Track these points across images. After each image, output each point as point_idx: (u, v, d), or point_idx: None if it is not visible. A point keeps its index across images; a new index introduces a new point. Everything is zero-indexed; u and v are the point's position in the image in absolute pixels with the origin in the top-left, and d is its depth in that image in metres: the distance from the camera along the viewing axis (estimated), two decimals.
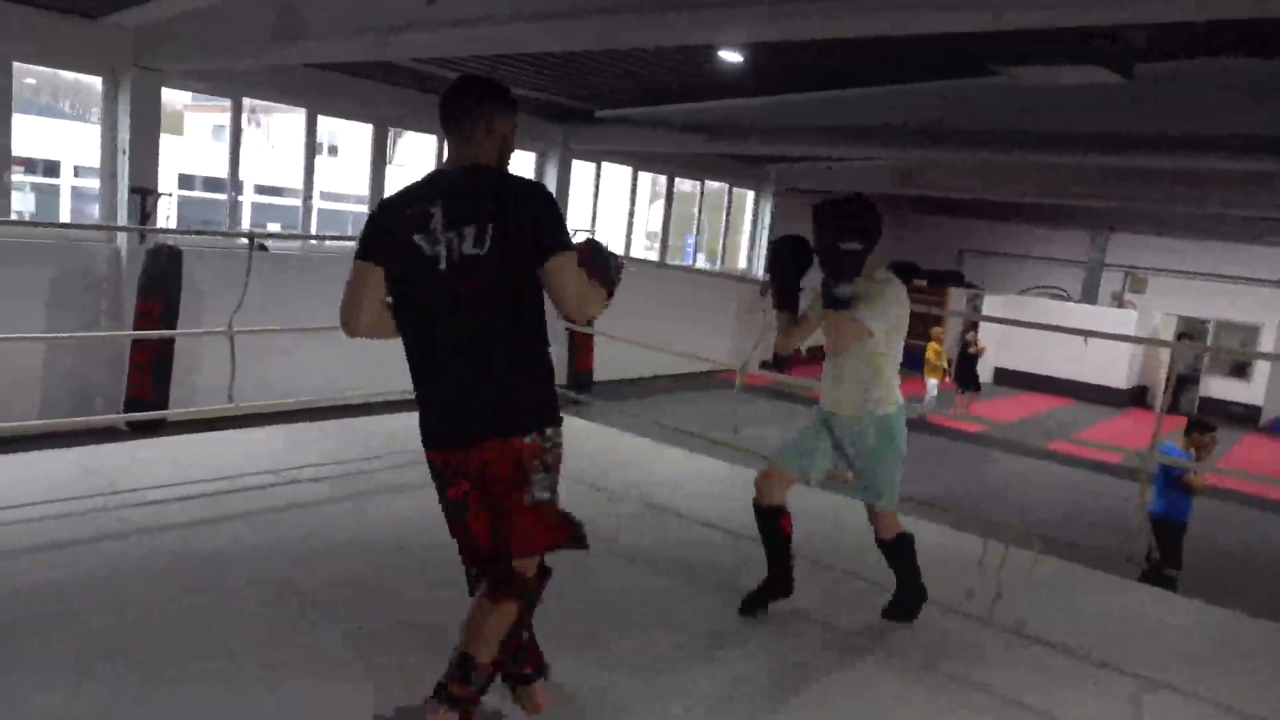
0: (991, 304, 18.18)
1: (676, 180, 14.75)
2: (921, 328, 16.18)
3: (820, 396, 3.66)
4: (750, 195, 16.27)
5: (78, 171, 14.37)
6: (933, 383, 13.70)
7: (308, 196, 9.80)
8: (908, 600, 3.64)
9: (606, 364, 12.00)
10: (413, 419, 2.55)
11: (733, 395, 6.02)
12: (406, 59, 7.77)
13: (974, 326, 14.78)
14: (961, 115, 8.97)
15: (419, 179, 2.47)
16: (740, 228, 16.53)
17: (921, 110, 9.09)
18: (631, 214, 13.83)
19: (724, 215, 16.00)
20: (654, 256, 14.62)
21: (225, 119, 19.30)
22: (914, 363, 14.23)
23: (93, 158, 8.59)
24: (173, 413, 5.91)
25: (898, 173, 13.82)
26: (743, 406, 6.02)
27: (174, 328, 7.79)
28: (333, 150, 18.66)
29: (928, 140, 9.64)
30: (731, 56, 7.88)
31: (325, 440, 5.44)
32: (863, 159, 13.31)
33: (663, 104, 10.66)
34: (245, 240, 8.48)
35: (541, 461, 2.39)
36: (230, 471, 4.64)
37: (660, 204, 14.81)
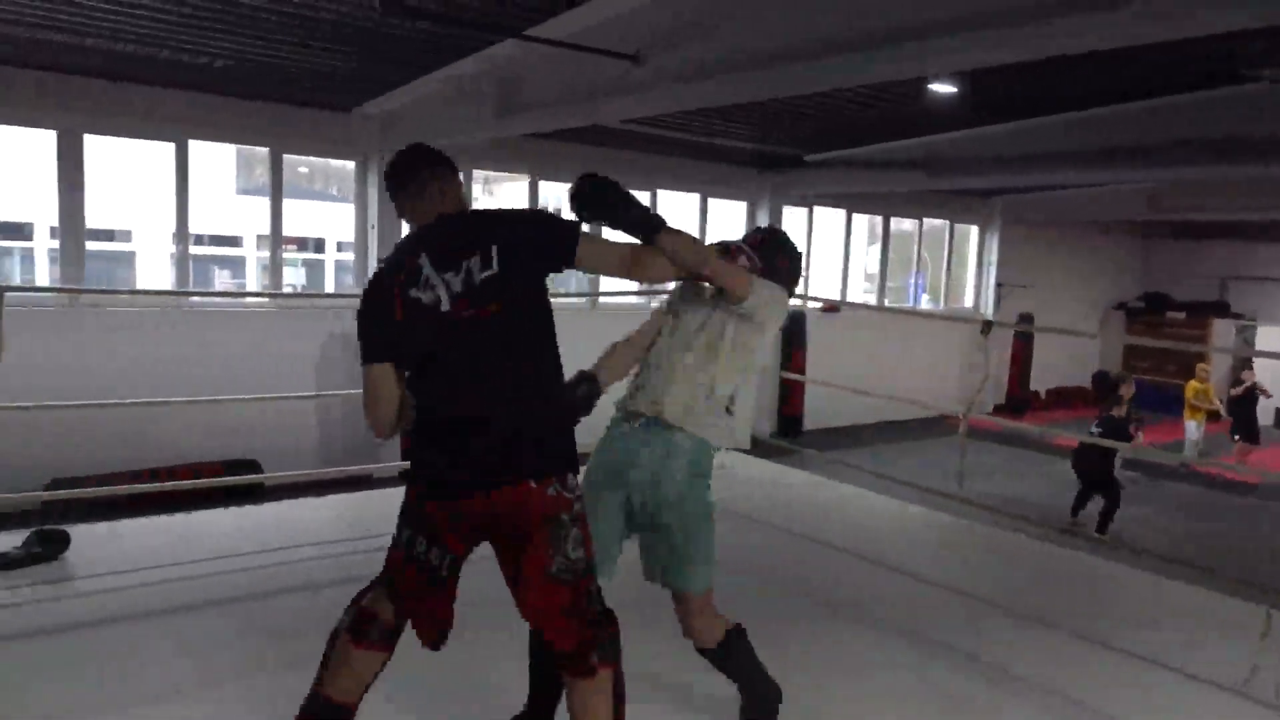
0: (1267, 336, 16.06)
1: (895, 219, 14.29)
2: (1176, 365, 14.74)
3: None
4: (974, 230, 15.47)
5: (340, 247, 16.06)
6: (1192, 424, 12.16)
7: None
8: (762, 704, 2.83)
9: (818, 409, 11.71)
10: None
11: (958, 443, 5.66)
12: (614, 121, 8.08)
13: (1248, 364, 13.06)
14: (1222, 127, 8.05)
15: (390, 254, 2.44)
16: (964, 264, 15.73)
17: (1176, 125, 8.24)
18: (847, 257, 13.53)
19: (945, 253, 15.30)
20: (872, 299, 14.20)
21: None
22: (1169, 405, 12.86)
23: (351, 234, 9.57)
24: None
25: (1148, 196, 12.64)
26: (970, 456, 5.61)
27: None
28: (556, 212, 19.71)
29: (1187, 157, 8.68)
30: (944, 88, 7.57)
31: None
32: (1106, 184, 12.31)
33: (874, 143, 10.40)
34: None
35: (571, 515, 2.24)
36: None
37: (878, 245, 14.40)
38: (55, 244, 13.56)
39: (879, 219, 14.10)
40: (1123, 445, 8.09)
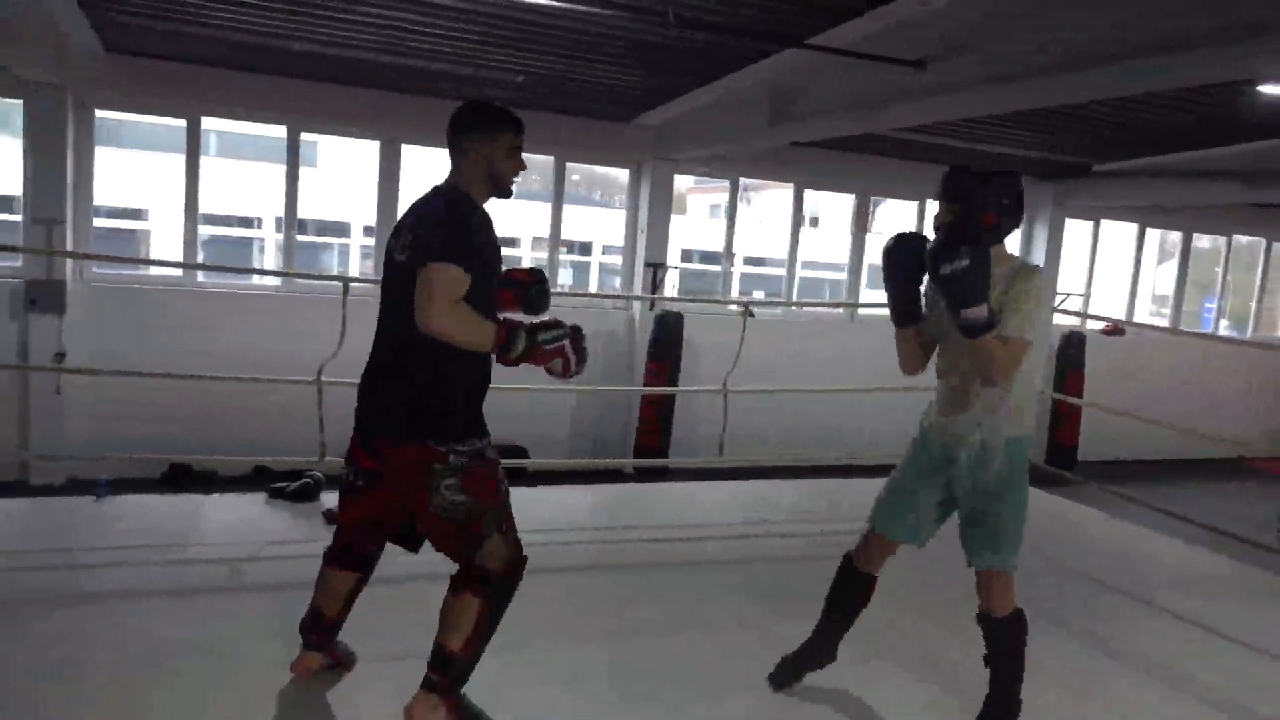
0: None
1: (1195, 236, 12.86)
2: None
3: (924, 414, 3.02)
4: None
5: (604, 250, 16.95)
6: None
7: (792, 265, 10.39)
8: (1000, 713, 2.86)
9: (1095, 439, 10.76)
10: None
11: (1271, 487, 5.03)
12: (891, 129, 7.92)
13: None
14: None
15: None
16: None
17: None
18: (1136, 276, 12.36)
19: (1258, 274, 13.55)
20: (1163, 322, 12.86)
21: (721, 199, 21.36)
22: None
23: (614, 238, 10.07)
24: (672, 461, 6.60)
25: None
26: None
27: (676, 385, 8.71)
28: (813, 221, 19.61)
29: None
30: (1276, 90, 6.73)
31: (794, 496, 5.66)
32: None
33: (1180, 150, 9.43)
34: (736, 307, 9.28)
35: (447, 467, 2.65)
36: (713, 518, 5.05)
37: (1171, 264, 13.02)
38: (369, 241, 15.51)
39: (1173, 234, 12.75)
40: None
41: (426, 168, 9.58)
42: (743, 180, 10.85)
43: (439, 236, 2.58)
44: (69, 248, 7.26)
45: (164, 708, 2.83)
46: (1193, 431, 7.06)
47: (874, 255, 11.45)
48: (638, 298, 9.18)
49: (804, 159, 9.74)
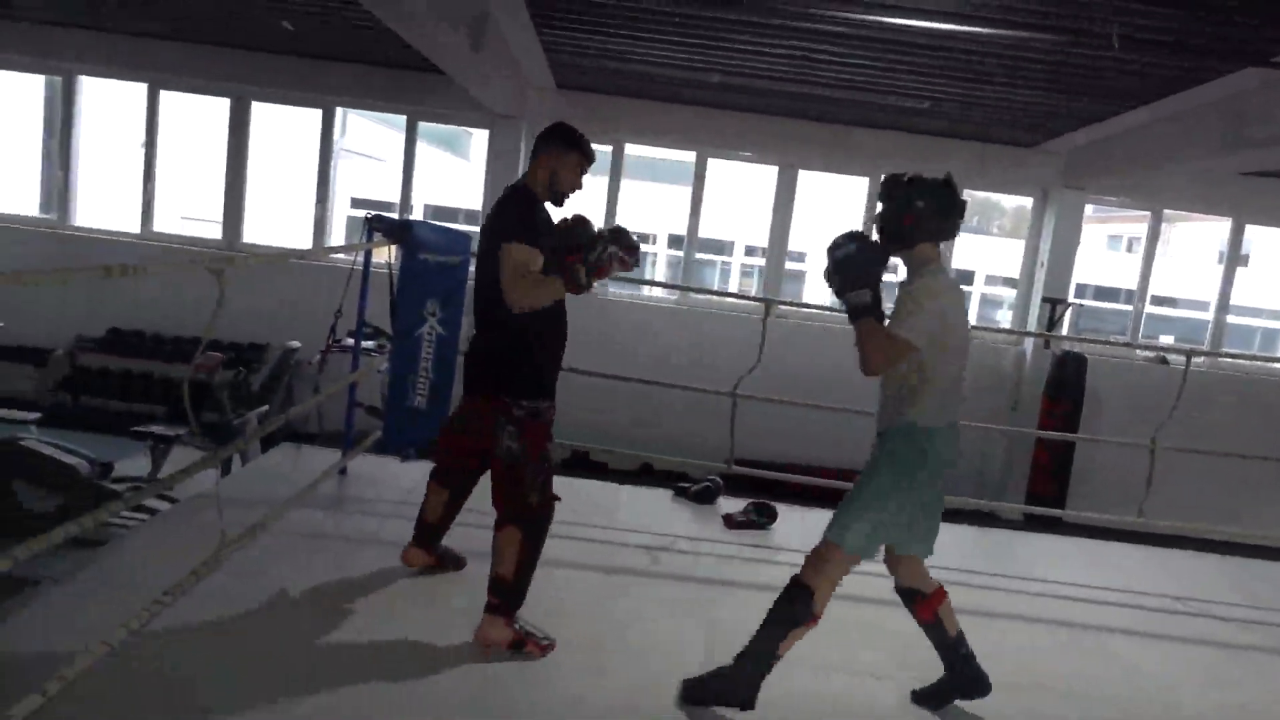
0: None
1: None
2: None
3: None
4: None
5: (987, 280, 16.08)
6: None
7: (1223, 309, 9.11)
8: (730, 675, 2.91)
9: None
10: None
11: None
12: None
13: None
14: None
15: None
16: None
17: None
18: None
19: None
20: None
21: (1120, 229, 19.30)
22: None
23: (1002, 268, 9.52)
24: (1069, 513, 6.05)
25: None
26: None
27: (1075, 431, 8.03)
28: (1243, 260, 16.96)
29: None
30: None
31: (1234, 575, 4.98)
32: None
33: None
34: (1148, 352, 8.37)
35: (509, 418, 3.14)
36: (1128, 585, 4.59)
37: None
38: (749, 260, 16.21)
39: None
40: None
41: (818, 190, 9.86)
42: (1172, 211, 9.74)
43: (505, 222, 3.10)
44: None
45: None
46: None
47: None
48: (1030, 334, 8.59)
49: (1245, 189, 8.53)
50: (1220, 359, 8.51)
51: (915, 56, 6.13)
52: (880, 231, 2.94)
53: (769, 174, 9.04)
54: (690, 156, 9.00)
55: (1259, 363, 9.88)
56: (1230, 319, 9.41)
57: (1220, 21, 4.88)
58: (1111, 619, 4.18)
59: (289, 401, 7.20)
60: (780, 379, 6.04)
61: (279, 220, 10.81)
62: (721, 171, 9.34)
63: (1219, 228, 10.55)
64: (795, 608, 2.85)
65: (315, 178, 8.89)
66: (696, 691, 2.94)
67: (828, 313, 7.85)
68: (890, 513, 2.85)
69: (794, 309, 8.15)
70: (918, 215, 2.84)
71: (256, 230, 9.12)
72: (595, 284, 3.14)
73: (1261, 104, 5.86)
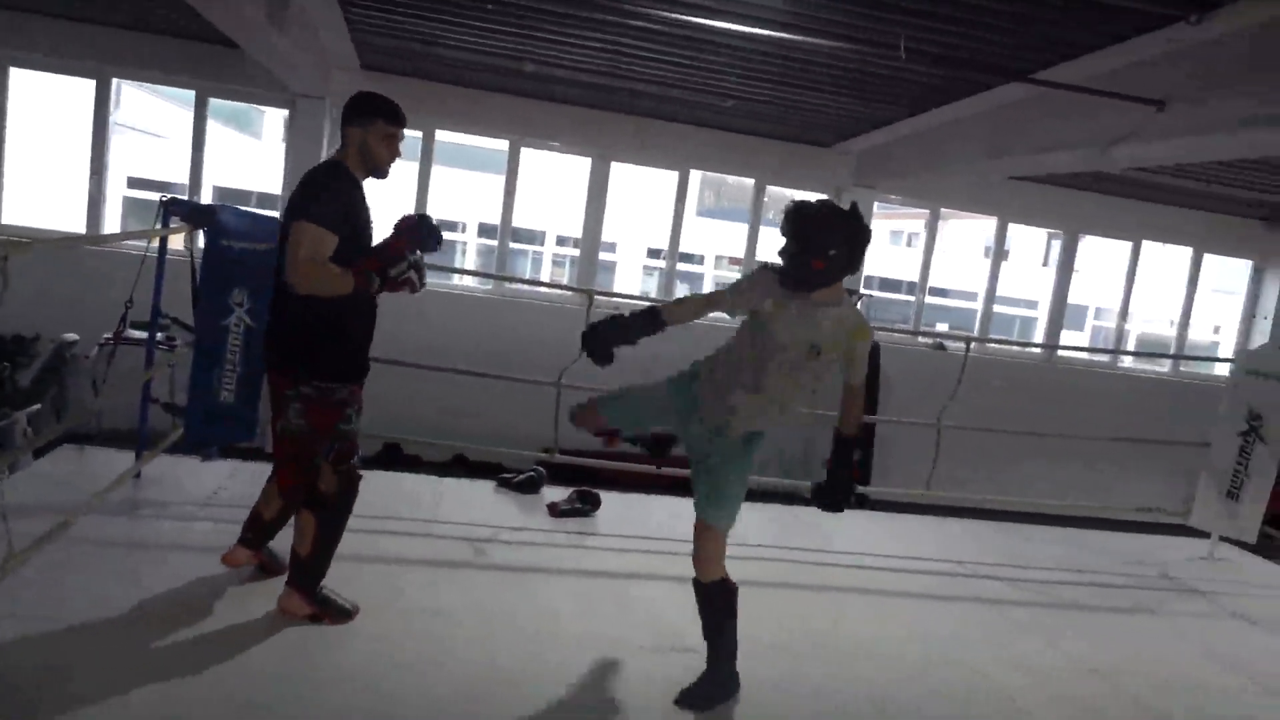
0: None
1: None
2: None
3: None
4: None
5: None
6: None
7: (990, 301, 10.11)
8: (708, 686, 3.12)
9: None
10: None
11: None
12: (1121, 169, 7.62)
13: None
14: None
15: None
16: None
17: None
18: None
19: None
20: None
21: (903, 225, 20.89)
22: None
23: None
24: (872, 490, 6.52)
25: None
26: None
27: (874, 414, 8.55)
28: (1005, 254, 18.86)
29: None
30: None
31: (1004, 541, 5.56)
32: None
33: None
34: (930, 340, 9.11)
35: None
36: (918, 552, 5.03)
37: None
38: (560, 250, 16.24)
39: None
40: None
41: (629, 184, 9.99)
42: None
43: (310, 199, 3.03)
44: None
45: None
46: None
47: (1076, 294, 10.96)
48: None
49: (1009, 192, 9.49)
50: (987, 344, 9.44)
51: (721, 56, 6.36)
52: (790, 262, 2.93)
53: (582, 164, 9.13)
54: (503, 145, 8.93)
55: (1016, 348, 11.02)
56: (997, 309, 10.46)
57: (989, 40, 5.40)
58: (906, 585, 4.58)
59: (63, 399, 6.57)
60: (604, 369, 6.12)
61: (42, 199, 9.74)
62: (534, 160, 9.32)
63: (984, 225, 11.65)
64: (720, 601, 3.08)
65: (89, 154, 8.09)
66: (692, 701, 3.10)
67: (645, 303, 8.02)
68: (739, 495, 3.10)
69: (609, 299, 8.26)
70: (828, 262, 2.87)
71: (14, 211, 8.20)
72: (380, 294, 3.19)
73: (1022, 117, 6.54)
